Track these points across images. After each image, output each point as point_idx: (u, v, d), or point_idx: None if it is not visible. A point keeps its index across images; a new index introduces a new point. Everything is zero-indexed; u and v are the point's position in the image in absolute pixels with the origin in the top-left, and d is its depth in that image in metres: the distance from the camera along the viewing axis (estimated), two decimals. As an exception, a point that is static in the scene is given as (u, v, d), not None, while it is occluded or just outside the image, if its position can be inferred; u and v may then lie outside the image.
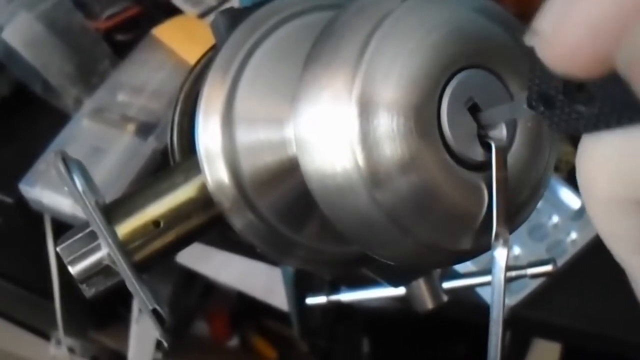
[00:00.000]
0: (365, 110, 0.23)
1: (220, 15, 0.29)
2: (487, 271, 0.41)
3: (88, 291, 0.28)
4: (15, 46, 0.88)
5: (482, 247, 0.25)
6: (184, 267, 1.10)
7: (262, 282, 1.08)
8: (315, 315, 1.09)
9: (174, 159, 0.32)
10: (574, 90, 0.17)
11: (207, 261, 1.09)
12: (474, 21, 0.24)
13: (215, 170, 0.27)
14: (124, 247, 0.28)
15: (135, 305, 1.10)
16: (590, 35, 0.15)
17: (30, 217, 0.88)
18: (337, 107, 0.23)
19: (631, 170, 0.16)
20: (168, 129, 0.32)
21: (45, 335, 1.25)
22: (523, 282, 0.72)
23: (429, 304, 0.42)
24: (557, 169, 0.77)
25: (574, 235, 0.76)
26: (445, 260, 0.27)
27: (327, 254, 0.29)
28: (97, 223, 0.28)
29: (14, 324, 1.33)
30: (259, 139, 0.27)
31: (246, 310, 1.29)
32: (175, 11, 0.98)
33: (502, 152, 0.24)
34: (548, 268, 0.41)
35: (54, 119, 0.90)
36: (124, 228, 0.28)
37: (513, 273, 0.41)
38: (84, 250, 0.28)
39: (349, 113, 0.23)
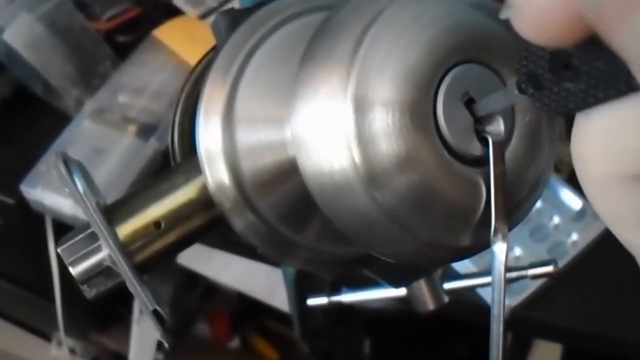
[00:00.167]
0: (361, 106, 0.23)
1: (221, 16, 0.29)
2: (488, 272, 0.41)
3: (89, 292, 0.29)
4: (16, 47, 0.88)
5: (482, 243, 0.25)
6: (184, 268, 1.10)
7: (263, 283, 1.08)
8: (316, 316, 1.08)
9: (174, 159, 0.32)
10: (560, 68, 0.17)
11: (208, 262, 1.09)
12: (468, 16, 0.24)
13: (215, 171, 0.27)
14: (125, 248, 0.28)
15: (136, 306, 1.10)
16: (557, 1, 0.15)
17: (31, 218, 0.88)
18: (332, 104, 0.23)
19: (623, 143, 0.16)
20: (169, 130, 0.32)
21: (46, 336, 1.25)
22: (524, 283, 0.72)
23: (430, 305, 0.42)
24: (558, 170, 0.77)
25: (575, 236, 0.76)
26: (445, 258, 0.27)
27: (328, 255, 0.29)
28: (98, 224, 0.28)
29: (14, 325, 1.33)
30: (260, 140, 0.27)
31: (247, 311, 1.29)
32: (176, 12, 0.98)
33: (500, 146, 0.24)
34: (549, 269, 0.41)
35: (55, 120, 0.90)
36: (125, 229, 0.28)
37: (514, 274, 0.41)
38: (84, 251, 0.28)
39: (345, 110, 0.23)
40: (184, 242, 0.29)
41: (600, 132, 0.17)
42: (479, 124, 0.24)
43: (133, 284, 0.27)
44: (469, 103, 0.24)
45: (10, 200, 0.87)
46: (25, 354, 1.33)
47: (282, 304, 1.06)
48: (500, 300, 0.25)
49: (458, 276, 0.43)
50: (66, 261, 0.28)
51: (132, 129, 0.86)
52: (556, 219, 0.77)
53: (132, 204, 0.29)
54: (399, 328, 1.09)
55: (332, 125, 0.23)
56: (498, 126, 0.24)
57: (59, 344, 1.20)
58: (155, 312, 0.27)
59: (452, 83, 0.23)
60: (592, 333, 0.75)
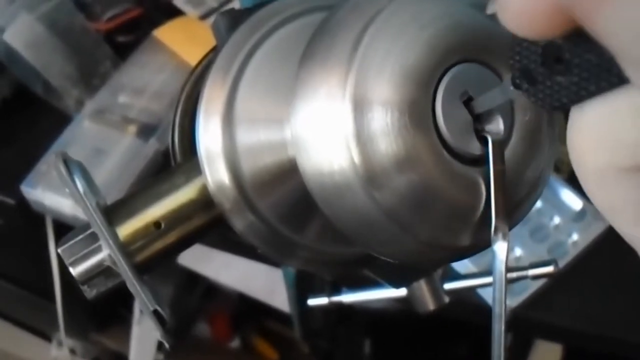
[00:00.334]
0: (360, 106, 0.23)
1: (221, 16, 0.29)
2: (488, 272, 0.41)
3: (89, 292, 0.29)
4: (17, 47, 0.88)
5: (482, 243, 0.25)
6: (185, 269, 1.10)
7: (263, 283, 1.08)
8: (316, 316, 1.08)
9: (175, 160, 0.32)
10: (552, 62, 0.17)
11: (208, 262, 1.09)
12: (467, 15, 0.24)
13: (215, 171, 0.27)
14: (125, 248, 0.28)
15: (137, 307, 1.10)
16: None
17: (32, 218, 0.88)
18: (331, 104, 0.23)
19: (616, 135, 0.16)
20: (169, 130, 0.32)
21: (46, 337, 1.25)
22: (524, 283, 0.72)
23: (431, 305, 0.42)
24: (558, 170, 0.77)
25: (575, 236, 0.76)
26: (445, 257, 0.27)
27: (328, 255, 0.29)
28: (98, 224, 0.28)
29: (15, 325, 1.33)
30: (260, 140, 0.27)
31: (247, 311, 1.29)
32: (176, 12, 0.98)
33: (499, 145, 0.24)
34: (549, 269, 0.41)
35: (55, 120, 0.90)
36: (125, 229, 0.28)
37: (514, 274, 0.41)
38: (85, 251, 0.28)
39: (344, 110, 0.23)
40: (184, 242, 0.29)
41: (594, 124, 0.17)
42: (479, 123, 0.24)
43: (133, 284, 0.27)
44: (468, 102, 0.24)
45: (10, 201, 0.87)
46: (26, 354, 1.33)
47: (283, 304, 1.06)
48: (501, 299, 0.25)
49: (458, 276, 0.43)
50: (66, 261, 0.28)
51: (132, 129, 0.86)
52: (556, 219, 0.77)
53: (132, 204, 0.29)
54: (399, 328, 1.09)
55: (331, 125, 0.23)
56: (497, 125, 0.24)
57: (59, 344, 1.20)
58: (155, 312, 0.27)
59: (451, 82, 0.23)
60: (592, 333, 0.75)
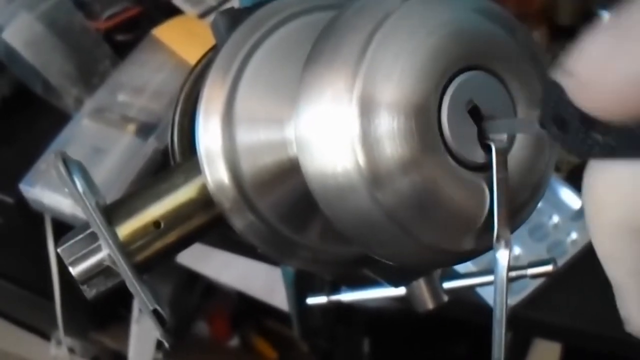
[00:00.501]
0: (366, 110, 0.23)
1: (220, 15, 0.29)
2: (488, 271, 0.41)
3: (89, 292, 0.28)
4: (16, 46, 0.88)
5: (483, 247, 0.25)
6: (184, 268, 1.10)
7: (263, 282, 1.08)
8: (315, 315, 1.08)
9: (174, 159, 0.32)
10: (592, 121, 0.17)
11: (208, 261, 1.09)
12: (475, 22, 0.24)
13: (215, 171, 0.27)
14: (125, 248, 0.28)
15: (136, 306, 1.10)
16: (634, 87, 0.14)
17: (31, 217, 0.88)
18: (337, 107, 0.23)
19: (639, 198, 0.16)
20: (168, 130, 0.32)
21: (45, 336, 1.25)
22: (523, 282, 0.72)
23: (430, 304, 0.42)
24: (557, 169, 0.77)
25: (574, 235, 0.76)
26: (446, 261, 0.27)
27: (328, 255, 0.29)
28: (98, 224, 0.28)
29: (14, 324, 1.33)
30: (259, 139, 0.27)
31: (247, 310, 1.29)
32: (175, 11, 0.98)
33: (503, 153, 0.24)
34: (548, 268, 0.41)
35: (54, 119, 0.90)
36: (125, 229, 0.28)
37: (513, 273, 0.41)
38: (84, 251, 0.28)
39: (350, 113, 0.23)
40: (184, 242, 0.29)
41: (621, 183, 0.17)
42: (482, 130, 0.24)
43: (133, 284, 0.27)
44: (473, 111, 0.24)
45: (9, 200, 0.87)
46: (25, 353, 1.33)
47: (282, 304, 1.06)
48: (502, 304, 0.25)
49: (457, 275, 0.43)
50: (66, 261, 0.28)
51: (131, 128, 0.86)
52: (555, 218, 0.77)
53: (131, 203, 0.29)
54: (399, 327, 1.09)
55: (337, 128, 0.23)
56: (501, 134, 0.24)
57: (59, 343, 1.20)
58: (155, 312, 0.27)
59: (457, 89, 0.23)
60: (592, 332, 0.75)
